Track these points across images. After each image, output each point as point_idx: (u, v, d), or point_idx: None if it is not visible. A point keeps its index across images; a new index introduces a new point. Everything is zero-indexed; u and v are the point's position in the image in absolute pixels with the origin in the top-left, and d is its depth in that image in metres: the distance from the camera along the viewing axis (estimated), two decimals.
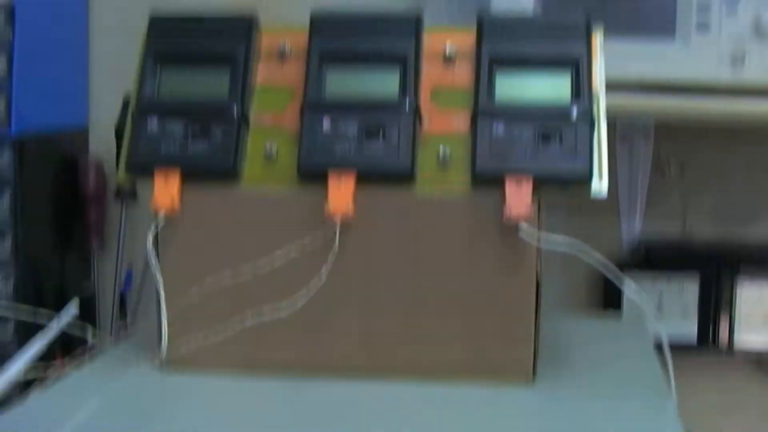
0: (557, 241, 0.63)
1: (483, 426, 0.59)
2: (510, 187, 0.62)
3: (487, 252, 0.64)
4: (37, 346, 0.68)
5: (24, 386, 0.65)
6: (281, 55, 0.68)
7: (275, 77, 0.68)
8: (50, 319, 0.67)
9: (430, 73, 0.67)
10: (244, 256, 0.64)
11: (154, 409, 0.61)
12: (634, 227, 1.18)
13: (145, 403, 0.62)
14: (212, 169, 0.65)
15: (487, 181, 0.63)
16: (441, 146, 0.64)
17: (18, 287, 1.12)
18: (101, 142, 1.29)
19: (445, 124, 0.66)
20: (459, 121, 0.65)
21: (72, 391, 0.64)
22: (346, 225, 0.63)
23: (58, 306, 0.68)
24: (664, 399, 0.63)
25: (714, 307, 1.10)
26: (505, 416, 0.61)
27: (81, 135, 1.29)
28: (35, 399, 0.62)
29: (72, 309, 0.70)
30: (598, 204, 1.16)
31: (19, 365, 0.67)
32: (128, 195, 1.27)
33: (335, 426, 0.58)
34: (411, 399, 0.63)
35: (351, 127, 0.64)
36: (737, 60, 0.88)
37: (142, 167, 0.65)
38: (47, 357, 0.66)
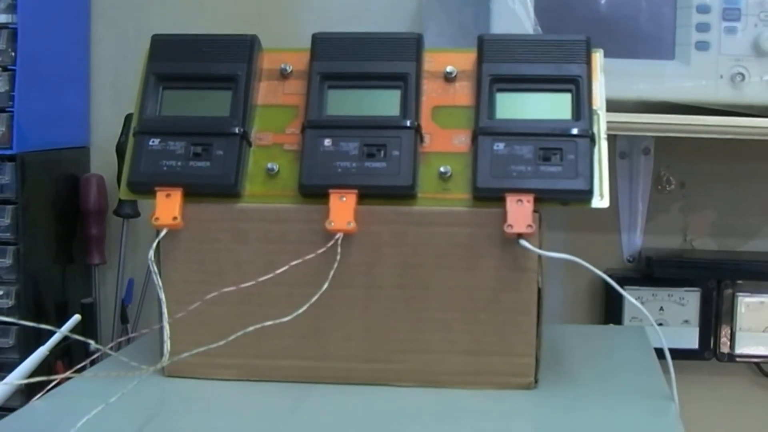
0: (557, 256, 0.63)
1: None
2: (511, 205, 0.62)
3: (489, 263, 0.64)
4: (39, 353, 0.69)
5: (26, 393, 0.66)
6: (283, 75, 0.69)
7: (277, 97, 0.69)
8: (52, 327, 0.68)
9: (430, 93, 0.67)
10: (246, 268, 0.64)
11: (156, 416, 0.61)
12: (635, 241, 1.18)
13: (147, 410, 0.62)
14: (214, 188, 0.65)
15: (488, 199, 0.63)
16: (442, 165, 0.64)
17: (20, 299, 1.13)
18: (102, 159, 1.29)
19: (445, 142, 0.66)
20: (460, 140, 0.66)
21: (74, 398, 0.64)
22: (347, 237, 0.63)
23: (60, 318, 0.68)
24: (666, 406, 0.63)
25: (715, 319, 1.10)
26: (507, 424, 0.61)
27: (82, 152, 1.30)
28: (37, 406, 0.62)
29: (74, 317, 0.71)
30: (599, 218, 1.17)
31: (21, 372, 0.67)
32: (130, 214, 1.27)
33: None
34: (412, 407, 0.63)
35: (352, 146, 0.64)
36: (737, 78, 0.88)
37: (144, 186, 0.66)
38: (49, 365, 0.66)
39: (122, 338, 1.19)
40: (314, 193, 0.64)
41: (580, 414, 0.62)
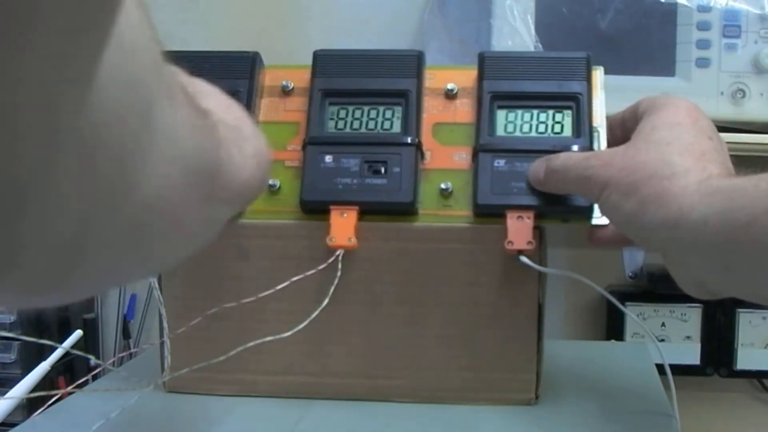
0: (557, 273, 0.63)
1: None
2: (511, 222, 0.62)
3: (489, 280, 0.64)
4: (41, 368, 0.69)
5: (28, 408, 0.66)
6: (284, 92, 0.69)
7: (278, 113, 0.69)
8: (54, 342, 0.68)
9: (431, 110, 0.68)
10: (246, 284, 0.64)
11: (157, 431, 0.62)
12: (636, 257, 1.18)
13: (148, 425, 0.62)
14: None
15: (489, 215, 0.63)
16: (442, 181, 0.65)
17: (22, 315, 1.13)
18: None
19: (446, 159, 0.66)
20: (460, 157, 0.66)
21: (75, 413, 0.64)
22: (348, 254, 0.63)
23: (62, 333, 0.68)
24: (667, 422, 0.63)
25: (717, 335, 1.10)
26: None
27: None
28: (39, 421, 0.63)
29: (76, 333, 0.71)
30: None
31: (23, 387, 0.67)
32: None
33: None
34: (413, 423, 0.63)
35: (353, 163, 0.65)
36: (737, 95, 0.89)
37: None
38: (51, 380, 0.67)
39: (124, 353, 1.20)
40: (315, 209, 0.64)
41: (581, 430, 0.62)
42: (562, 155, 0.59)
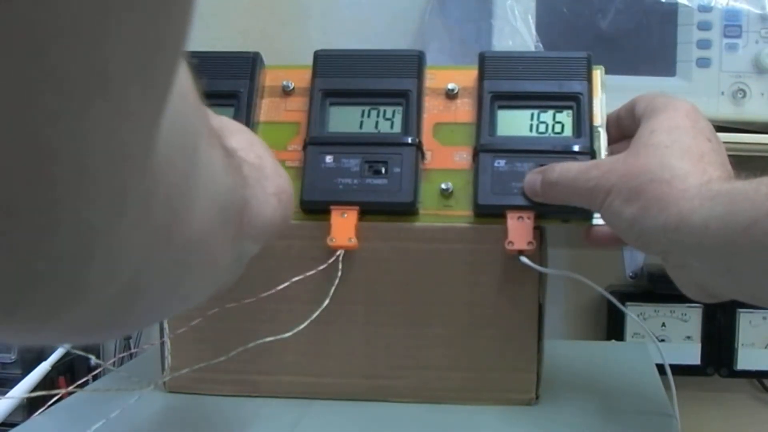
0: (557, 273, 0.63)
1: None
2: (512, 222, 0.62)
3: (490, 280, 0.64)
4: (41, 369, 0.69)
5: (28, 408, 0.66)
6: (285, 92, 0.69)
7: (279, 113, 0.69)
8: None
9: (432, 110, 0.68)
10: (247, 284, 0.64)
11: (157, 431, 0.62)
12: (637, 257, 1.18)
13: (148, 425, 0.62)
14: None
15: (489, 215, 0.63)
16: (443, 181, 0.65)
17: None
18: None
19: (447, 159, 0.66)
20: (461, 157, 0.66)
21: (75, 413, 0.64)
22: (348, 254, 0.63)
23: None
24: (667, 422, 0.63)
25: (717, 335, 1.10)
26: None
27: None
28: (39, 421, 0.63)
29: None
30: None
31: (24, 387, 0.67)
32: None
33: None
34: (413, 423, 0.63)
35: (353, 163, 0.65)
36: (738, 95, 0.89)
37: None
38: (51, 380, 0.67)
39: (124, 354, 1.20)
40: (316, 209, 0.64)
41: (581, 430, 0.62)
42: (558, 167, 0.59)
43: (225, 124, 0.47)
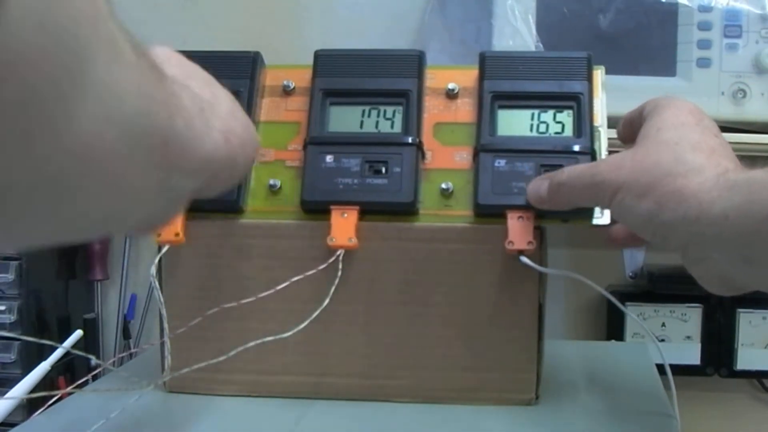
0: (557, 273, 0.63)
1: None
2: (512, 222, 0.62)
3: (490, 280, 0.64)
4: (41, 368, 0.69)
5: (28, 408, 0.66)
6: (285, 92, 0.69)
7: (279, 113, 0.69)
8: (54, 342, 0.68)
9: (432, 109, 0.68)
10: (247, 284, 0.64)
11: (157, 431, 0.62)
12: (637, 257, 1.18)
13: (148, 425, 0.62)
14: (217, 204, 0.65)
15: (490, 215, 0.63)
16: (443, 181, 0.65)
17: (22, 314, 1.13)
18: None
19: (447, 159, 0.66)
20: (461, 157, 0.66)
21: (75, 413, 0.64)
22: (349, 254, 0.63)
23: (62, 333, 0.68)
24: (667, 422, 0.63)
25: (717, 335, 1.10)
26: None
27: None
28: (39, 421, 0.63)
29: (77, 333, 0.71)
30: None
31: (24, 387, 0.67)
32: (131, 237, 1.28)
33: None
34: (413, 423, 0.63)
35: (354, 163, 0.65)
36: (738, 95, 0.89)
37: None
38: (51, 380, 0.67)
39: (124, 353, 1.20)
40: (316, 209, 0.64)
41: (581, 430, 0.62)
42: (566, 169, 0.59)
43: (182, 63, 0.46)
